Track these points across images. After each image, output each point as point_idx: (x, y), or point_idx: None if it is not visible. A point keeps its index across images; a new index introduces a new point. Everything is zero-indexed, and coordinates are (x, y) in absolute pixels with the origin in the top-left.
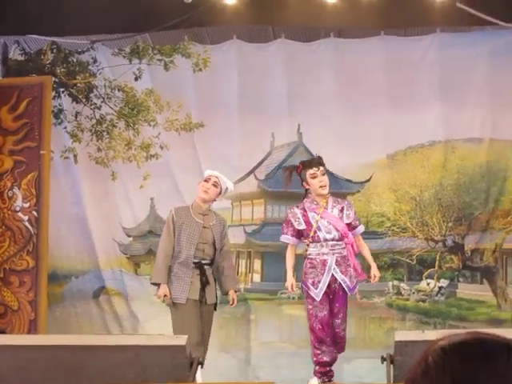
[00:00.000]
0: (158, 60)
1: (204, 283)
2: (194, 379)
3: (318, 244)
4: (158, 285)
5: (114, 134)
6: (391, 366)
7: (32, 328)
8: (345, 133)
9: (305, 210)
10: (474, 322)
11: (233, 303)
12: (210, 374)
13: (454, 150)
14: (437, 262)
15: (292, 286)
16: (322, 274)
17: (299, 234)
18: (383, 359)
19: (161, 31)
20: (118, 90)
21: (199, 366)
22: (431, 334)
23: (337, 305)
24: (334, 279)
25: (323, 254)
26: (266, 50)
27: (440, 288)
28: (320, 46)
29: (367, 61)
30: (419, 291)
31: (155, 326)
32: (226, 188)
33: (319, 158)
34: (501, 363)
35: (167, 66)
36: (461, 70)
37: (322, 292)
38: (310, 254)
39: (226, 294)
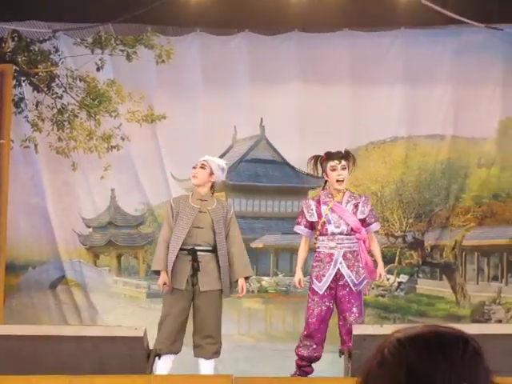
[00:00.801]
0: (121, 51)
1: (195, 269)
2: (151, 370)
3: (326, 237)
4: (158, 273)
5: (75, 124)
6: (349, 359)
7: None
8: (307, 127)
9: (319, 202)
10: (434, 317)
11: (242, 292)
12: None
13: (416, 146)
14: (396, 258)
15: (300, 281)
16: (328, 268)
17: (312, 226)
18: (341, 353)
19: (124, 20)
20: (80, 80)
21: (157, 358)
22: (389, 328)
23: (344, 300)
24: (340, 274)
25: (330, 247)
26: (230, 43)
27: (399, 283)
28: (284, 40)
29: (331, 56)
30: (378, 286)
31: (114, 317)
32: (219, 166)
33: (346, 152)
34: (456, 355)
35: (130, 57)
36: (424, 68)
37: (326, 286)
38: (318, 248)
39: (236, 282)
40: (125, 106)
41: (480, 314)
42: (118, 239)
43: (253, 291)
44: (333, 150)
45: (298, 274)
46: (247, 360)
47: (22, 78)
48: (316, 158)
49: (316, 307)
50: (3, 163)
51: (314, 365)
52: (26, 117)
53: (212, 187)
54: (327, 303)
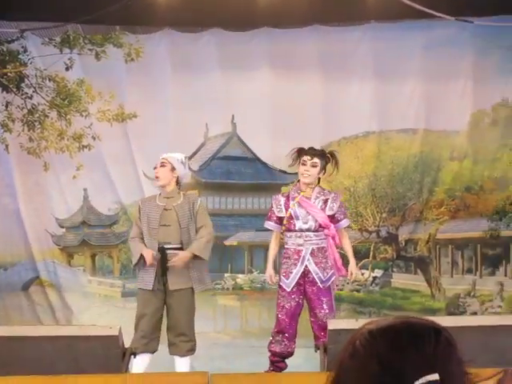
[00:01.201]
0: (89, 50)
1: (164, 269)
2: (126, 369)
3: (293, 234)
4: (136, 266)
5: (46, 124)
6: (325, 354)
7: None
8: (279, 124)
9: (288, 198)
10: (409, 311)
11: (176, 260)
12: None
13: (388, 140)
14: (371, 253)
15: (271, 277)
16: (296, 265)
17: (281, 222)
18: (317, 348)
19: (92, 20)
20: (50, 80)
21: (132, 356)
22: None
23: (313, 297)
24: (308, 270)
25: (298, 244)
26: (199, 40)
27: (374, 278)
28: (253, 37)
29: (301, 52)
30: (353, 281)
31: (89, 317)
32: (178, 160)
33: (322, 151)
34: (429, 346)
35: (98, 56)
36: (395, 62)
37: (294, 282)
38: (286, 244)
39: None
40: (95, 106)
41: (455, 307)
42: (92, 239)
43: (228, 288)
44: (305, 147)
45: (269, 270)
46: (223, 357)
47: None
48: (299, 151)
49: (285, 303)
50: None
51: (290, 360)
52: None
53: (178, 183)
54: (296, 299)
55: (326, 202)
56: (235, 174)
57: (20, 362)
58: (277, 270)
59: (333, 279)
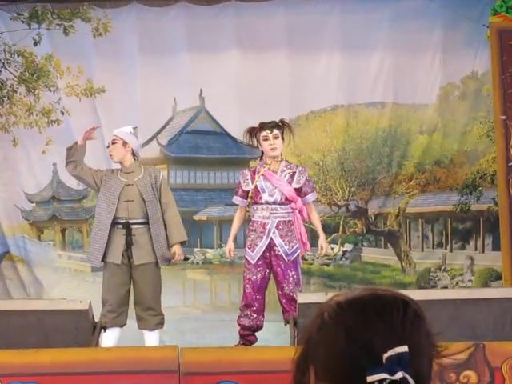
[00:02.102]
0: (58, 25)
1: (129, 243)
2: (97, 343)
3: (260, 206)
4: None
5: (14, 99)
6: (295, 328)
7: None
8: (247, 97)
9: (254, 172)
10: (379, 285)
11: (177, 257)
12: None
13: (357, 114)
14: (340, 227)
15: (230, 251)
16: (261, 238)
17: (248, 196)
18: (286, 321)
19: None
20: (18, 55)
21: (102, 330)
22: (332, 295)
23: (279, 270)
24: (274, 243)
25: (264, 217)
26: (167, 14)
27: (344, 252)
28: (221, 10)
29: (269, 25)
30: (323, 256)
31: (59, 292)
32: (127, 133)
33: (279, 121)
34: (397, 318)
35: (67, 31)
36: (362, 35)
37: (259, 255)
38: (252, 217)
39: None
40: (63, 81)
41: (425, 281)
42: (62, 213)
43: (197, 263)
44: (272, 120)
45: (229, 244)
46: (193, 331)
47: None
48: (251, 130)
49: (251, 276)
50: None
51: (259, 334)
52: None
53: (134, 156)
54: (262, 272)
55: (292, 175)
56: (204, 148)
57: None
58: (239, 245)
59: (298, 252)
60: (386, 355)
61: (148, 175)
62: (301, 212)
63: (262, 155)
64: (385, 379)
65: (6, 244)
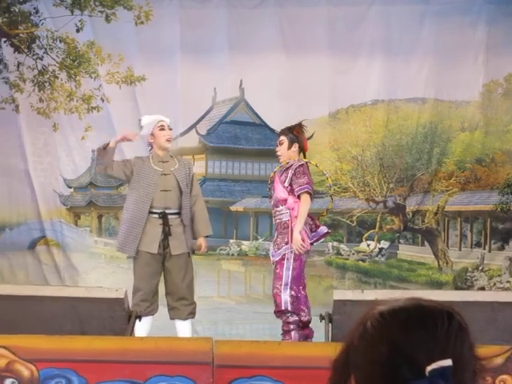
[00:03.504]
0: (100, 12)
1: (166, 233)
2: (131, 332)
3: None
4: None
5: (55, 85)
6: (330, 324)
7: None
8: (287, 89)
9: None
10: (415, 283)
11: (199, 249)
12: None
13: (397, 109)
14: (377, 224)
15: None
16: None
17: None
18: (322, 317)
19: None
20: (60, 41)
21: (137, 319)
22: (370, 294)
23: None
24: None
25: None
26: (209, 2)
27: (380, 249)
28: (263, 0)
29: (310, 16)
30: (359, 252)
31: (95, 277)
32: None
33: (285, 128)
34: (441, 330)
35: (109, 18)
36: (405, 31)
37: (271, 256)
38: None
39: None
40: (104, 68)
41: (462, 281)
42: (99, 200)
43: (233, 254)
44: (312, 113)
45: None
46: (226, 322)
47: (3, 39)
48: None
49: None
50: None
51: None
52: (3, 78)
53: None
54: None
55: (286, 174)
56: (242, 139)
57: (24, 321)
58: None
59: (283, 254)
60: (429, 368)
61: (183, 166)
62: (293, 210)
63: None
64: None
65: (43, 229)
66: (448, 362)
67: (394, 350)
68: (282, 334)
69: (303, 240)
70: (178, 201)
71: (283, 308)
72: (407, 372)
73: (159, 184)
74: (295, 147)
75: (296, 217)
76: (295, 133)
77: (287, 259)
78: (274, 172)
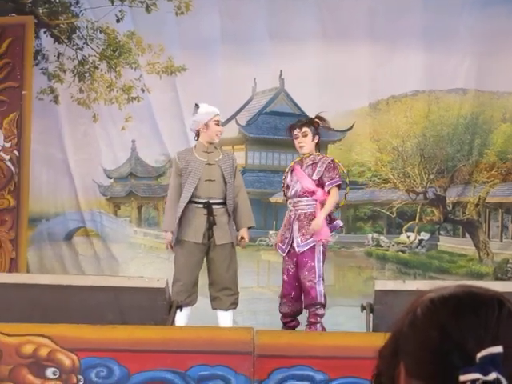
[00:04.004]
0: (140, 2)
1: (211, 223)
2: (172, 322)
3: (287, 201)
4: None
5: (95, 75)
6: (371, 314)
7: (13, 266)
8: (327, 80)
9: (291, 170)
10: (455, 274)
11: (241, 240)
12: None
13: (438, 100)
14: (417, 215)
15: (275, 245)
16: (288, 230)
17: None
18: (363, 308)
19: None
20: (100, 32)
21: (178, 309)
22: (412, 284)
23: (297, 259)
24: (293, 235)
25: (289, 210)
26: None
27: (420, 241)
28: None
29: (350, 8)
30: (399, 243)
31: (134, 268)
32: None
33: (308, 118)
34: (491, 317)
35: (149, 9)
36: (446, 18)
37: (288, 248)
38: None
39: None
40: (145, 58)
41: (503, 273)
42: (139, 190)
43: (272, 245)
44: (353, 103)
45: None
46: (266, 312)
47: (43, 30)
48: (290, 127)
49: (285, 266)
50: (25, 114)
51: (333, 319)
52: (42, 69)
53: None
54: (293, 261)
55: (314, 167)
56: (282, 129)
57: (66, 311)
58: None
59: (311, 246)
60: (479, 355)
61: (227, 157)
62: (321, 203)
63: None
64: (478, 379)
65: (82, 219)
66: (498, 349)
67: (444, 337)
68: (308, 325)
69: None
70: (223, 191)
71: (318, 300)
72: (457, 359)
73: (204, 174)
74: (316, 139)
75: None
76: (317, 125)
77: (318, 251)
78: (294, 162)
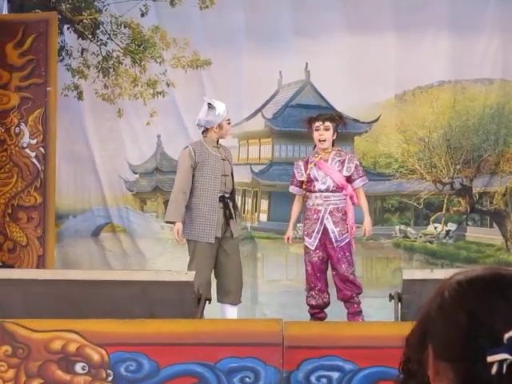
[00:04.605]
0: None
1: (228, 217)
2: (201, 315)
3: (313, 195)
4: (172, 223)
5: (120, 70)
6: (399, 303)
7: (40, 263)
8: (353, 72)
9: (307, 162)
10: (483, 264)
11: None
12: (217, 311)
13: (464, 90)
14: (444, 206)
15: (288, 238)
16: (316, 224)
17: (303, 185)
18: (391, 297)
19: None
20: (125, 27)
21: (207, 302)
22: (440, 273)
23: (333, 253)
24: (327, 229)
25: (318, 204)
26: None
27: (447, 232)
28: None
29: (375, 1)
30: (426, 235)
31: (162, 262)
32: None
33: (330, 114)
34: None
35: (173, 3)
36: (471, 10)
37: (316, 241)
38: (307, 205)
39: None
40: (169, 52)
41: None
42: (165, 185)
43: (300, 238)
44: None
45: (289, 232)
46: (295, 305)
47: (66, 26)
48: (309, 119)
49: (311, 258)
50: (50, 110)
51: (362, 310)
52: (66, 65)
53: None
54: (320, 254)
55: (342, 163)
56: None
57: (94, 306)
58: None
59: (347, 240)
60: (507, 335)
61: (229, 153)
62: (351, 198)
63: (315, 146)
64: (505, 359)
65: (108, 215)
66: None
67: (472, 319)
68: (352, 314)
69: None
70: (231, 186)
71: (361, 290)
72: (485, 340)
73: (221, 169)
74: (334, 136)
75: (353, 204)
76: (338, 122)
77: (352, 245)
78: (320, 157)
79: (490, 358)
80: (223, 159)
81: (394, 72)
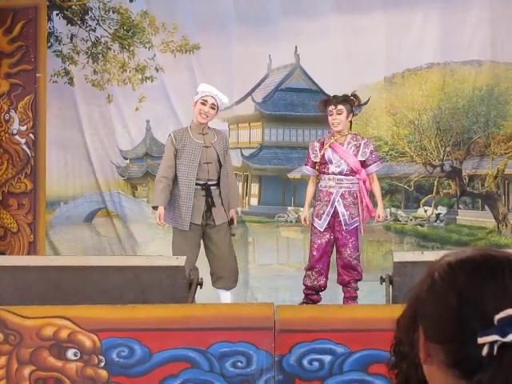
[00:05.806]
0: None
1: (210, 205)
2: (193, 300)
3: (326, 177)
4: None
5: (108, 56)
6: (390, 286)
7: (31, 250)
8: (342, 55)
9: (322, 144)
10: (473, 247)
11: (234, 222)
12: (209, 295)
13: (453, 72)
14: (435, 188)
15: (305, 218)
16: (327, 206)
17: (316, 166)
18: (382, 280)
19: None
20: (113, 12)
21: (199, 287)
22: (430, 255)
23: (340, 236)
24: (337, 211)
25: (330, 186)
26: None
27: (438, 215)
28: None
29: None
30: (417, 218)
31: (154, 247)
32: (221, 99)
33: (345, 96)
34: (509, 279)
35: None
36: None
37: (326, 223)
38: (320, 186)
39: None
40: (158, 37)
41: None
42: (155, 170)
43: (291, 221)
44: (368, 77)
45: (304, 212)
46: (286, 289)
47: (55, 12)
48: (324, 102)
49: (317, 239)
50: (40, 97)
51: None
52: (55, 51)
53: None
54: (327, 236)
55: (358, 147)
56: (299, 105)
57: (86, 291)
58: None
59: (356, 225)
60: (497, 317)
61: (221, 139)
62: (365, 182)
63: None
64: (496, 341)
65: (103, 200)
66: None
67: (463, 300)
68: (346, 298)
69: None
70: (217, 172)
71: (362, 277)
72: (476, 321)
73: (202, 157)
74: (350, 117)
75: (366, 189)
76: (352, 103)
77: (358, 230)
78: (335, 140)
79: (480, 340)
80: (207, 146)
81: (383, 54)
